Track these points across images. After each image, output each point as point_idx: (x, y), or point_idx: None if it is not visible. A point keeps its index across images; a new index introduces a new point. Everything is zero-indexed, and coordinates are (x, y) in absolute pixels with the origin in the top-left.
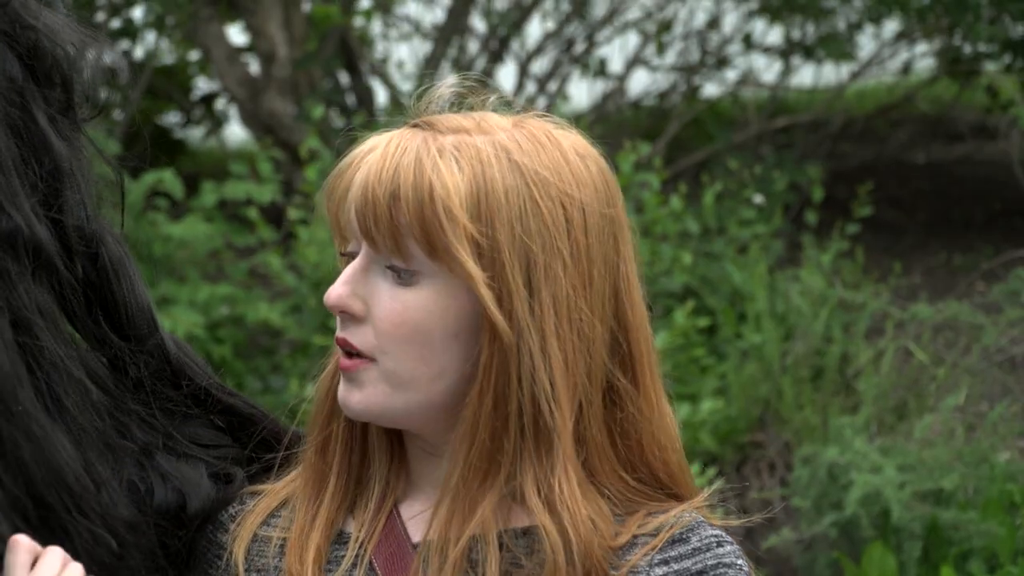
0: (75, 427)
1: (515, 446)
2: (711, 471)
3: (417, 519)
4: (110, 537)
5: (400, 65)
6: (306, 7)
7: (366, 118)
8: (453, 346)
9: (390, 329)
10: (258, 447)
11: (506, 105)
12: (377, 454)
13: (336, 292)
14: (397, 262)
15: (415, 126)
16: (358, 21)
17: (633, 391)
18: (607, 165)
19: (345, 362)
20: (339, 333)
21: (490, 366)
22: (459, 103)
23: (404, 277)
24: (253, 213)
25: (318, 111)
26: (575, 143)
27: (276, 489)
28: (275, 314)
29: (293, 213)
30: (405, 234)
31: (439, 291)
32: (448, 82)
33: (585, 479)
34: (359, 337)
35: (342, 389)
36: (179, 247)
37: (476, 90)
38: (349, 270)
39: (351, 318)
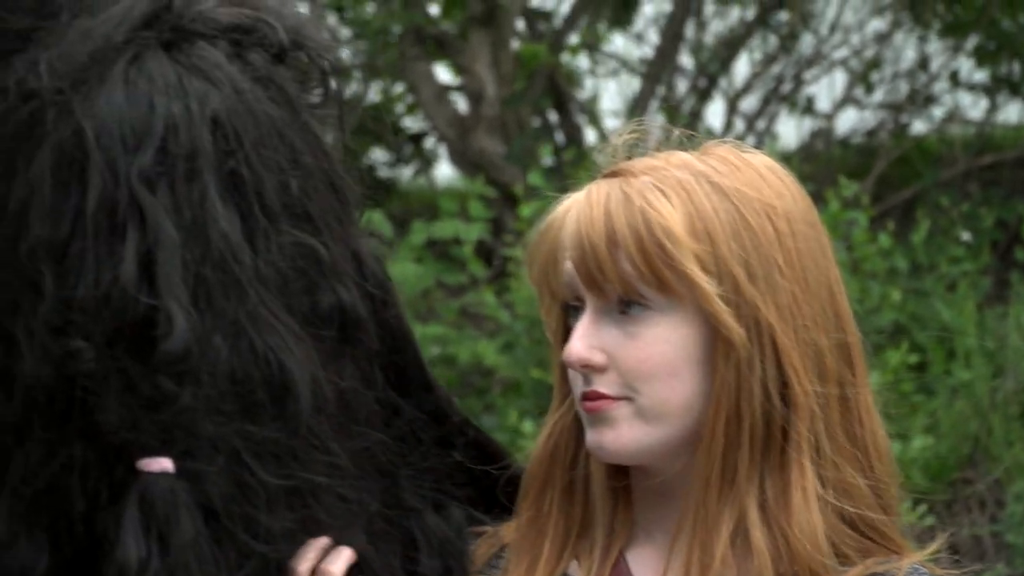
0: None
1: (749, 461)
2: (921, 508)
3: (646, 567)
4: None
5: (610, 111)
6: (514, 46)
7: (576, 154)
8: (699, 373)
9: (635, 366)
10: (501, 486)
11: (688, 139)
12: (600, 503)
13: (575, 349)
14: (625, 306)
15: (606, 176)
16: (566, 59)
17: (857, 394)
18: (795, 179)
19: (594, 403)
20: (584, 388)
21: (726, 382)
22: (639, 150)
23: (636, 316)
24: (468, 250)
25: (546, 151)
26: (763, 160)
27: (500, 532)
28: (489, 351)
29: (510, 252)
30: (631, 275)
31: (674, 322)
32: (622, 132)
33: (819, 490)
34: (606, 385)
35: (592, 434)
36: None
37: (659, 134)
38: (581, 326)
39: (594, 370)
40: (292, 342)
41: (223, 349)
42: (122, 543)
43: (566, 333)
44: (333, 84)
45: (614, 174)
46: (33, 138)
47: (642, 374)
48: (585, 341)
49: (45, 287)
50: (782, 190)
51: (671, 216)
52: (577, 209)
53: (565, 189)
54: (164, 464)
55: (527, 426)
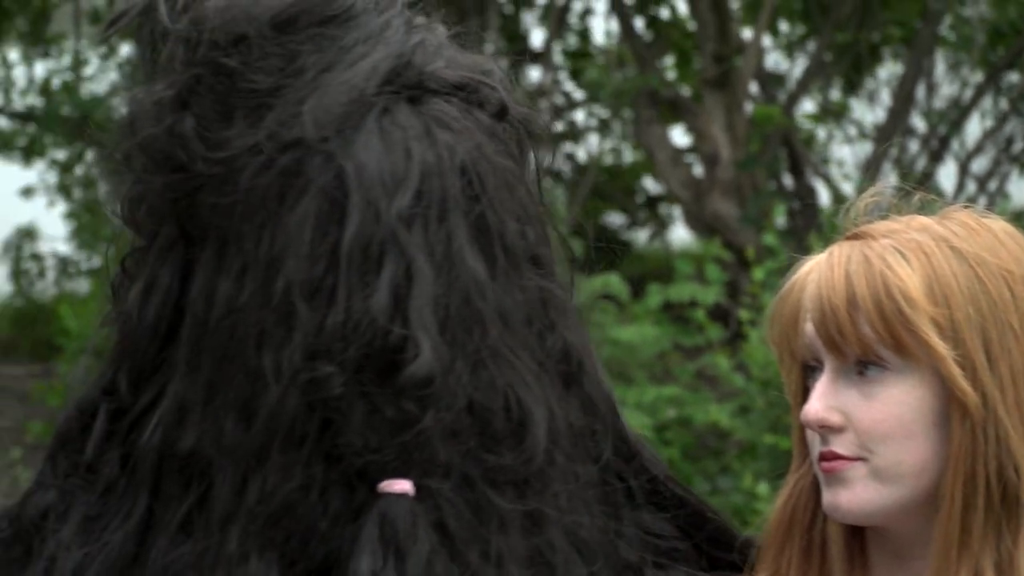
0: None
1: (983, 524)
2: None
3: None
4: None
5: (841, 164)
6: (747, 108)
7: (810, 216)
8: (934, 435)
9: (871, 427)
10: (708, 544)
11: (929, 204)
12: (837, 565)
13: (814, 409)
14: (863, 367)
15: (848, 238)
16: (803, 124)
17: None
18: None
19: (830, 464)
20: (821, 448)
21: (962, 445)
22: (879, 212)
23: (874, 377)
24: (700, 315)
25: (779, 211)
26: (1002, 226)
27: None
28: (723, 415)
29: (744, 315)
30: (870, 337)
31: (912, 384)
32: (863, 195)
33: None
34: (843, 445)
35: (828, 495)
36: (627, 351)
37: (899, 197)
38: (820, 386)
39: (831, 431)
40: (530, 378)
41: (464, 379)
42: (356, 556)
43: (805, 393)
44: (532, 150)
45: (856, 236)
46: (294, 187)
47: (878, 435)
48: (823, 401)
49: (298, 319)
50: (1020, 255)
51: (910, 279)
52: (818, 271)
53: (801, 252)
54: (404, 486)
55: (762, 488)
